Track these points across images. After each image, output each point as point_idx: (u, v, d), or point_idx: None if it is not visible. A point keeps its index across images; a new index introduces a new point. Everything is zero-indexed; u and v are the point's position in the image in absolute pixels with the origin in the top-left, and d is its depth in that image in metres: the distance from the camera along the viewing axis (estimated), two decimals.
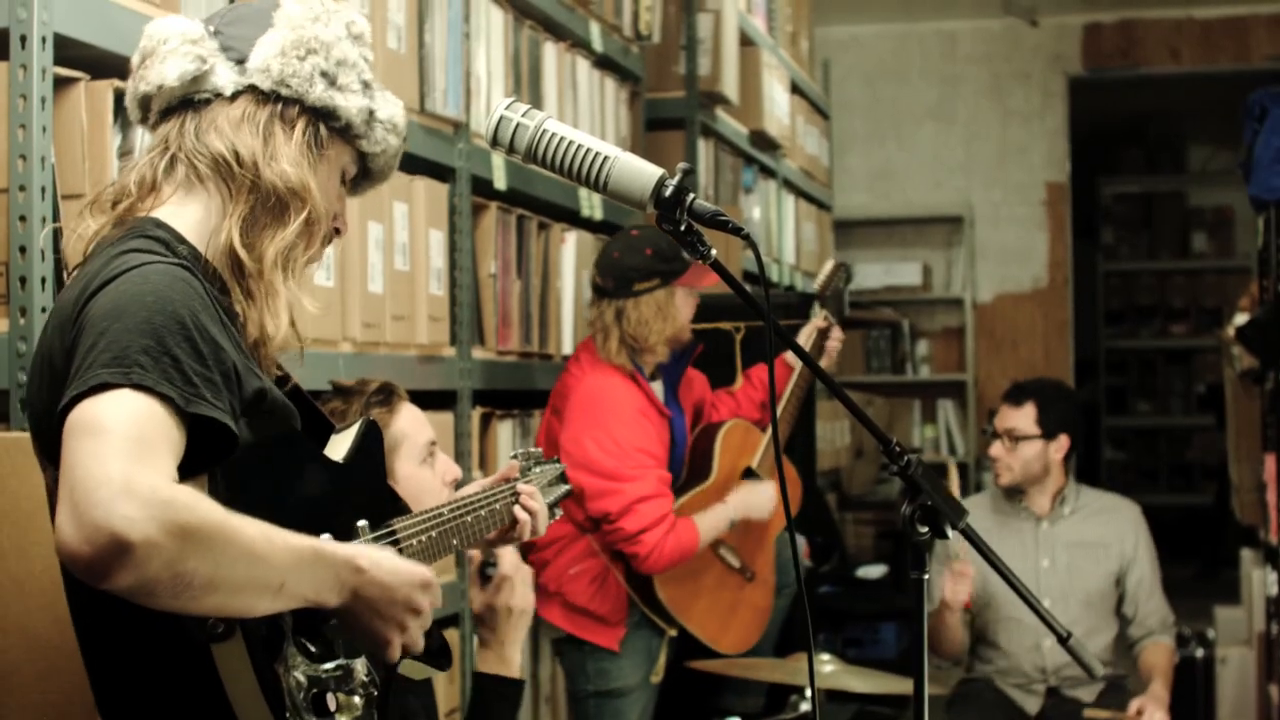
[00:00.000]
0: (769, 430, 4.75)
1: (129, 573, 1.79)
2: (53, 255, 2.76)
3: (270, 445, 2.14)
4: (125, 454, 1.83)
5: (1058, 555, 5.00)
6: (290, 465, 2.18)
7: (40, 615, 2.55)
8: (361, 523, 2.28)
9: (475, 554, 3.11)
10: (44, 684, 2.58)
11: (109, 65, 2.94)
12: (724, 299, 5.02)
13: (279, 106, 2.26)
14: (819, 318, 4.83)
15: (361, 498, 2.34)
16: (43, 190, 2.74)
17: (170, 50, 2.25)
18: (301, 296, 2.27)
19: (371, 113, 2.33)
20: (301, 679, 2.05)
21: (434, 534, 2.52)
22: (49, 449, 2.08)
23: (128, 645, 2.09)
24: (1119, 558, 5.02)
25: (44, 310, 2.72)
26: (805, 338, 4.81)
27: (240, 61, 2.26)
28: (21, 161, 2.73)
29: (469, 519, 2.68)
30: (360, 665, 2.15)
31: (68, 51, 2.84)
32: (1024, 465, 4.98)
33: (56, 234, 2.78)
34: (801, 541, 5.16)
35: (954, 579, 4.79)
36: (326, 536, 2.13)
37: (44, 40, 2.74)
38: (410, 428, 3.07)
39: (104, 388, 1.89)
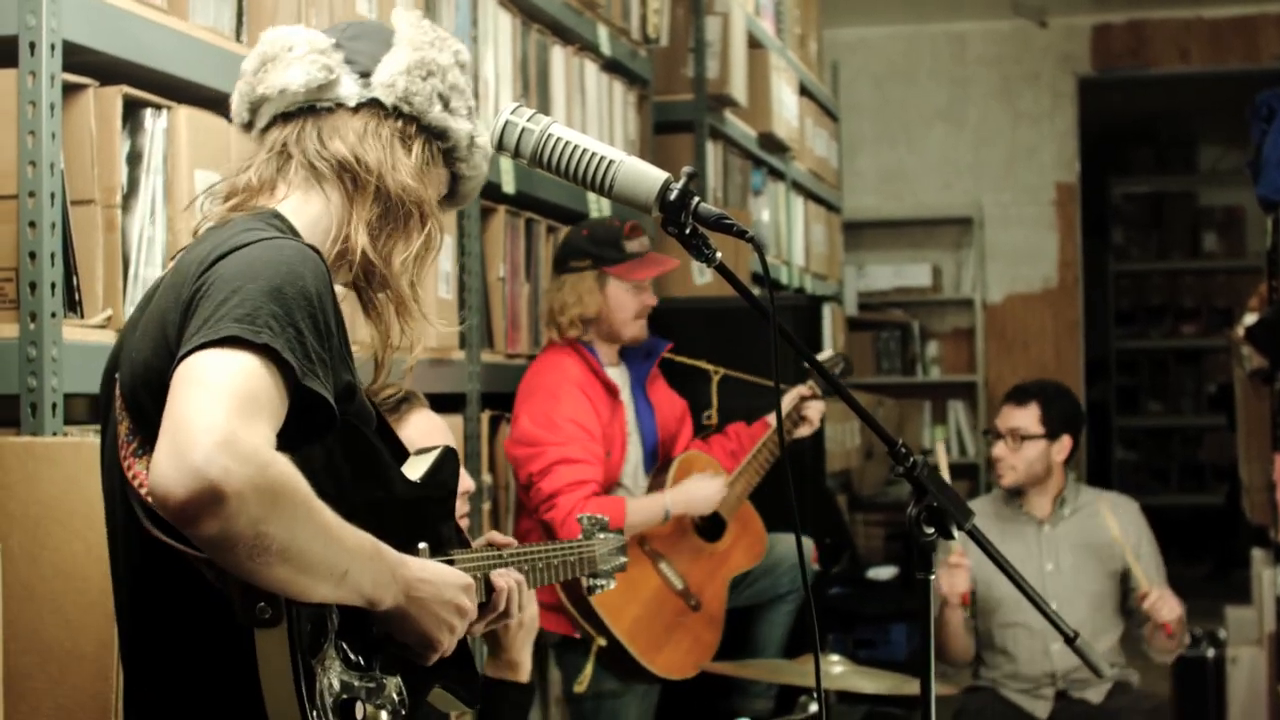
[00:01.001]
0: (733, 474, 4.72)
1: (216, 521, 1.82)
2: (62, 261, 2.77)
3: (349, 440, 2.16)
4: (235, 409, 1.86)
5: (1061, 558, 5.00)
6: (363, 468, 2.21)
7: (51, 620, 2.56)
8: (422, 545, 2.32)
9: None
10: (55, 688, 2.59)
11: (117, 71, 2.95)
12: (730, 301, 5.03)
13: (399, 123, 2.31)
14: (805, 386, 4.82)
15: (426, 522, 2.38)
16: (52, 196, 2.75)
17: (297, 57, 2.28)
18: (427, 312, 2.35)
19: (473, 139, 2.38)
20: (335, 682, 2.05)
21: (487, 575, 2.56)
22: (139, 402, 2.09)
23: (171, 618, 2.10)
24: (1121, 556, 5.01)
25: (53, 315, 2.73)
26: (790, 400, 4.80)
27: (364, 75, 2.30)
28: (31, 168, 2.74)
29: (528, 567, 2.72)
30: (394, 684, 2.17)
31: (76, 58, 2.85)
32: (1028, 465, 4.97)
33: (65, 239, 2.79)
34: (809, 545, 5.13)
35: (949, 571, 4.80)
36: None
37: (53, 47, 2.75)
38: (416, 438, 3.02)
39: (233, 341, 1.92)
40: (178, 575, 2.00)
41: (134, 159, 2.98)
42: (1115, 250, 13.51)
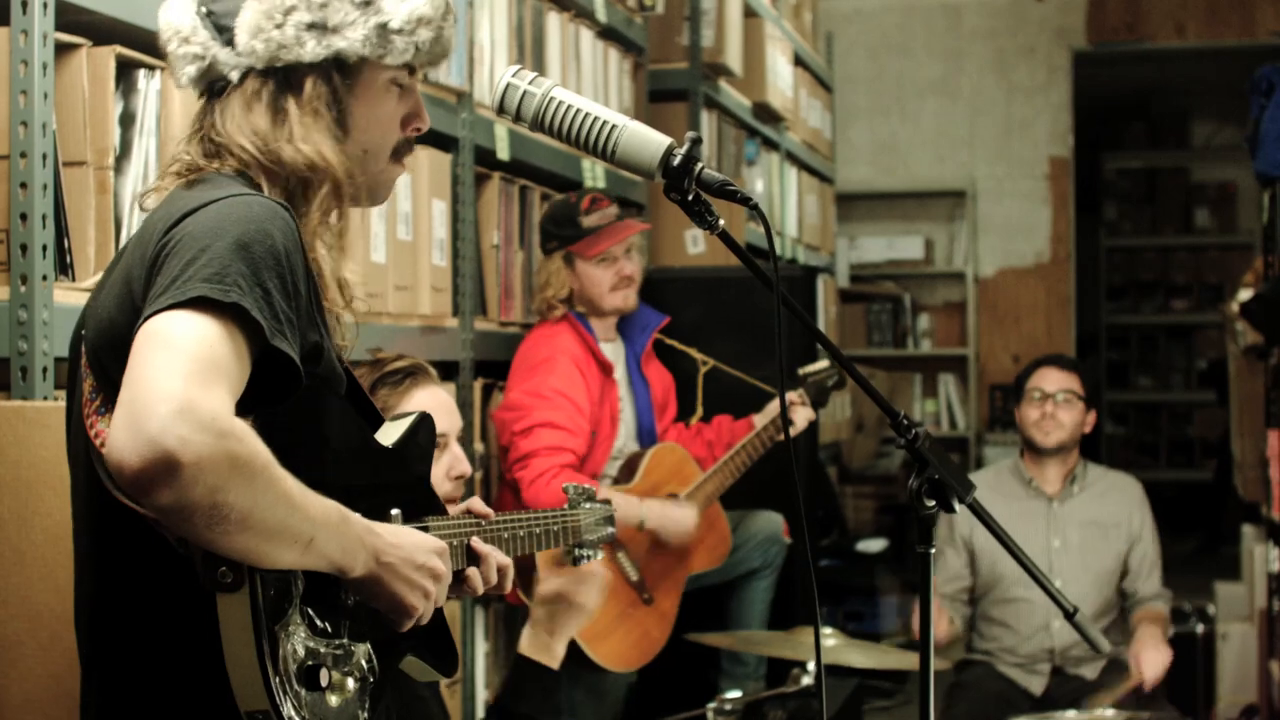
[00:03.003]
0: (706, 473, 4.68)
1: (171, 492, 1.80)
2: (54, 223, 2.74)
3: (316, 404, 2.12)
4: (194, 374, 1.83)
5: (1069, 535, 4.99)
6: (332, 432, 2.17)
7: (41, 586, 2.54)
8: (395, 512, 2.27)
9: None
10: (45, 655, 2.57)
11: (111, 31, 2.92)
12: (728, 270, 5.01)
13: (280, 77, 2.21)
14: (796, 393, 4.78)
15: (399, 488, 2.33)
16: (44, 157, 2.72)
17: (173, 52, 2.24)
18: (342, 262, 2.25)
19: (383, 27, 2.23)
20: (299, 648, 2.02)
21: (466, 542, 2.50)
22: (102, 360, 2.06)
23: (132, 580, 2.07)
24: (1127, 536, 5.03)
25: (44, 278, 2.71)
26: (777, 405, 4.75)
27: (231, 43, 2.21)
28: (22, 128, 2.71)
29: (509, 535, 2.65)
30: (362, 650, 2.14)
31: (69, 17, 2.81)
32: (1073, 427, 4.99)
33: (57, 201, 2.76)
34: (779, 519, 5.07)
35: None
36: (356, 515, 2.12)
37: (45, 5, 2.72)
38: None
39: (200, 302, 1.89)
40: (140, 538, 1.97)
41: (127, 120, 2.95)
42: (1107, 225, 13.50)
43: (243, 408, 1.92)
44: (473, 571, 2.50)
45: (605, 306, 4.63)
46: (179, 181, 2.20)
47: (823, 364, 4.89)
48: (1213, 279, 13.04)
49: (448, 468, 3.05)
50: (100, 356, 2.07)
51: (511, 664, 3.05)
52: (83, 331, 2.15)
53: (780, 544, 5.07)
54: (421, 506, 2.39)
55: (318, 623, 2.08)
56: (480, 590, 2.55)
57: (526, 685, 2.96)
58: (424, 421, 2.40)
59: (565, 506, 2.92)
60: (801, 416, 4.77)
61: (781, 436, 4.74)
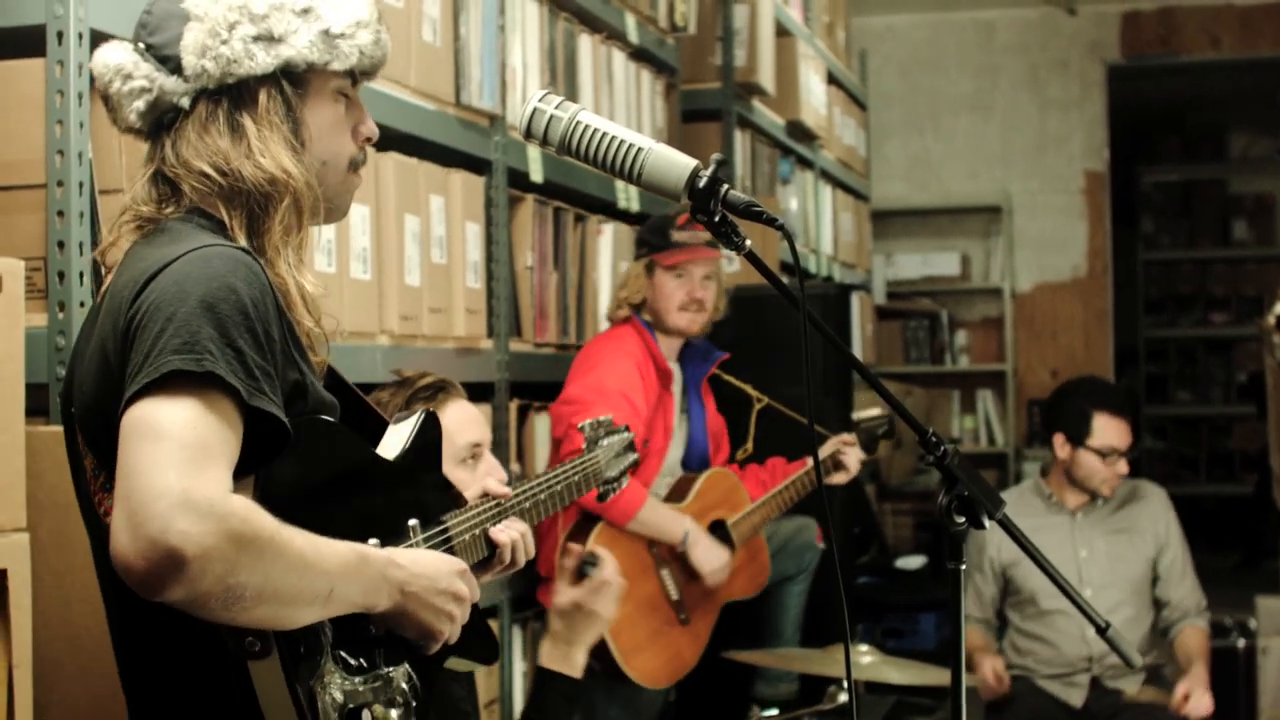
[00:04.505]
0: (754, 504, 4.72)
1: (182, 587, 1.81)
2: (90, 250, 2.77)
3: (315, 441, 2.12)
4: (185, 462, 1.83)
5: (1095, 544, 4.99)
6: (337, 462, 2.17)
7: (81, 608, 2.56)
8: (413, 522, 2.29)
9: (575, 548, 3.08)
10: (85, 676, 2.59)
11: None
12: (756, 290, 5.02)
13: (232, 95, 2.20)
14: (848, 436, 4.83)
15: (415, 494, 2.34)
16: (80, 186, 2.75)
17: (118, 91, 2.21)
18: (304, 276, 2.21)
19: (325, 33, 2.23)
20: (338, 696, 2.04)
21: (490, 526, 2.54)
22: (95, 437, 2.07)
23: (166, 658, 2.08)
24: (1153, 542, 5.02)
25: (82, 305, 2.74)
26: (831, 447, 4.80)
27: (179, 69, 2.19)
28: (59, 157, 2.74)
29: (530, 504, 2.68)
30: (401, 673, 2.15)
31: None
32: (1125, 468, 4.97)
33: (94, 230, 2.79)
34: (812, 525, 5.09)
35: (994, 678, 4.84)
36: (374, 541, 2.13)
37: (80, 36, 2.75)
38: (452, 427, 3.00)
39: (175, 377, 1.89)
40: (167, 612, 1.92)
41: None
42: (1144, 239, 13.45)
43: (243, 469, 1.93)
44: (502, 553, 2.56)
45: (669, 322, 4.66)
46: (135, 235, 2.18)
47: (875, 410, 4.97)
48: (1251, 291, 12.97)
49: (484, 475, 3.08)
50: (94, 435, 2.08)
51: (532, 677, 3.07)
52: (72, 409, 2.15)
53: (814, 550, 5.12)
54: (439, 506, 2.41)
55: (352, 662, 2.09)
56: (509, 570, 2.60)
57: (549, 697, 2.97)
58: (428, 421, 2.41)
59: (583, 449, 2.94)
60: (853, 458, 4.81)
61: (831, 478, 4.80)
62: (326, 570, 1.95)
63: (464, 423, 3.09)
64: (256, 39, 2.18)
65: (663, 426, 4.61)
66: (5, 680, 2.41)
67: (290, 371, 2.09)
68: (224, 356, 1.92)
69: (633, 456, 3.06)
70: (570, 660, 3.00)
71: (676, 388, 4.73)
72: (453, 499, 2.47)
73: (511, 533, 2.60)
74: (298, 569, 1.91)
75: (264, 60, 2.18)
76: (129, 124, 2.24)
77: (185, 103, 2.20)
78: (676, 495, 4.64)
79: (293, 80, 2.23)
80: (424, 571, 2.14)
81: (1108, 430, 4.93)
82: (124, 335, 2.00)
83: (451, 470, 2.98)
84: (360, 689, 2.08)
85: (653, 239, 4.68)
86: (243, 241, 2.16)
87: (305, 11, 2.22)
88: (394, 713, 2.12)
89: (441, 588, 2.16)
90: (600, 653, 4.35)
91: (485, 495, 2.65)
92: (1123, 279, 11.85)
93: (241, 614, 1.87)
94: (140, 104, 2.20)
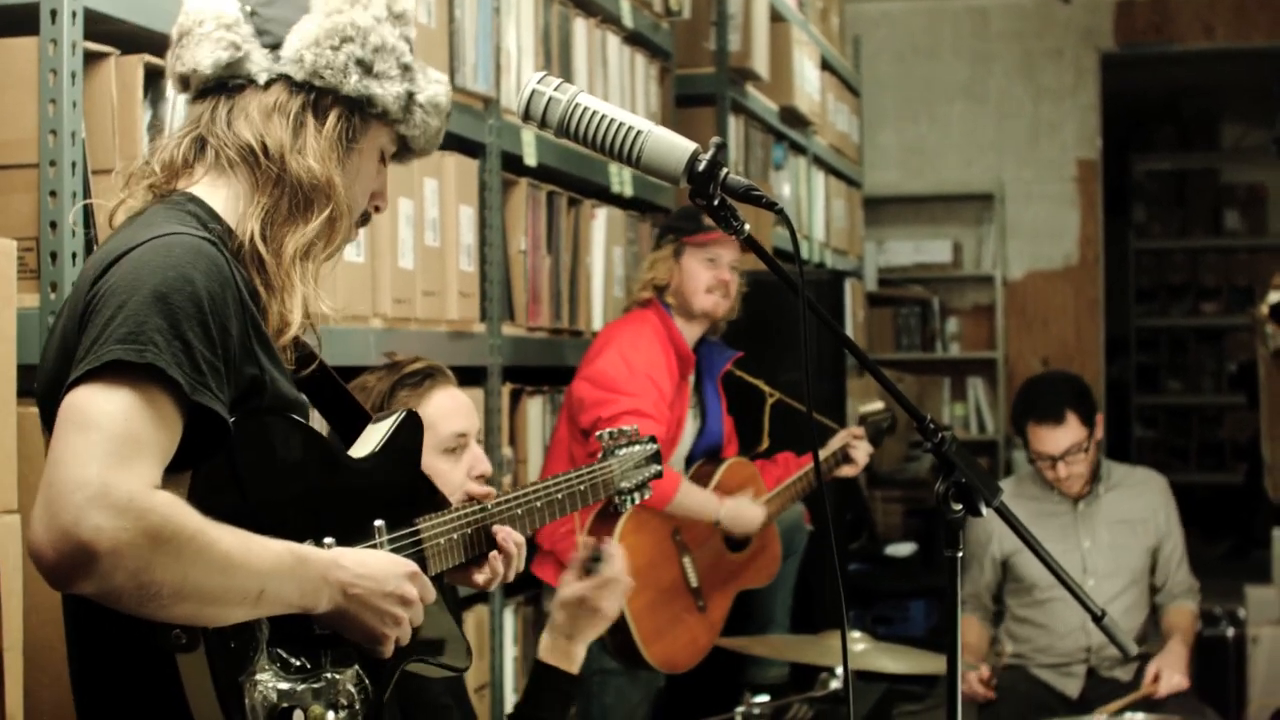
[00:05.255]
0: (769, 493, 4.77)
1: (92, 582, 1.79)
2: (83, 230, 2.75)
3: (268, 437, 2.09)
4: (110, 455, 1.82)
5: (1098, 533, 4.98)
6: (290, 459, 2.13)
7: None
8: (378, 523, 2.24)
9: (589, 539, 3.03)
10: None
11: (139, 40, 2.93)
12: (755, 274, 5.01)
13: (312, 97, 2.22)
14: (856, 429, 4.92)
15: (385, 494, 2.30)
16: (73, 165, 2.73)
17: (205, 34, 2.21)
18: (320, 297, 2.23)
19: (411, 96, 2.29)
20: (270, 693, 2.00)
21: (469, 531, 2.47)
22: (50, 417, 2.05)
23: (102, 642, 2.06)
24: (1155, 531, 5.02)
25: (73, 285, 2.72)
26: (839, 441, 4.88)
27: (275, 47, 2.22)
28: (52, 137, 2.72)
29: (523, 511, 2.61)
30: (349, 675, 2.11)
31: (98, 26, 2.83)
32: (1089, 464, 4.92)
33: (87, 209, 2.78)
34: (799, 507, 5.11)
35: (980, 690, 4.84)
36: (329, 541, 2.10)
37: (74, 15, 2.74)
38: (435, 415, 2.96)
39: (117, 365, 1.87)
40: (105, 610, 1.90)
41: (155, 128, 2.96)
42: (1136, 228, 13.46)
43: (179, 464, 1.91)
44: (493, 557, 2.51)
45: (695, 304, 4.70)
46: (147, 200, 2.20)
47: (879, 405, 5.03)
48: (1242, 281, 12.98)
49: (468, 467, 3.03)
50: (46, 413, 2.07)
51: (530, 670, 3.05)
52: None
53: (803, 531, 5.21)
54: (412, 509, 2.36)
55: (292, 661, 2.06)
56: (495, 582, 2.54)
57: (546, 692, 2.95)
58: (406, 420, 2.38)
59: (599, 457, 2.87)
60: (862, 452, 4.89)
61: (839, 470, 4.89)
62: (257, 570, 1.92)
63: (450, 411, 3.02)
64: (359, 63, 2.23)
65: (678, 416, 4.63)
66: None
67: (248, 367, 2.06)
68: (170, 349, 1.90)
69: (655, 468, 2.98)
70: (570, 656, 2.97)
71: (692, 377, 4.76)
72: (434, 501, 2.43)
73: (511, 543, 2.55)
74: (221, 568, 1.87)
75: (354, 84, 2.23)
76: (195, 68, 2.22)
77: (263, 79, 2.21)
78: (696, 484, 4.66)
79: (362, 116, 2.26)
80: (369, 574, 2.10)
81: (1036, 438, 4.90)
82: (80, 318, 1.99)
83: (434, 461, 2.92)
84: (297, 689, 2.04)
85: (683, 224, 4.74)
86: (255, 225, 2.16)
87: (406, 69, 2.29)
88: (331, 714, 2.07)
89: (388, 590, 2.11)
90: (619, 637, 4.37)
91: (469, 499, 2.60)
92: (1114, 268, 11.84)
93: (159, 610, 1.85)
94: (224, 56, 2.20)
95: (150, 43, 2.94)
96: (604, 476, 2.83)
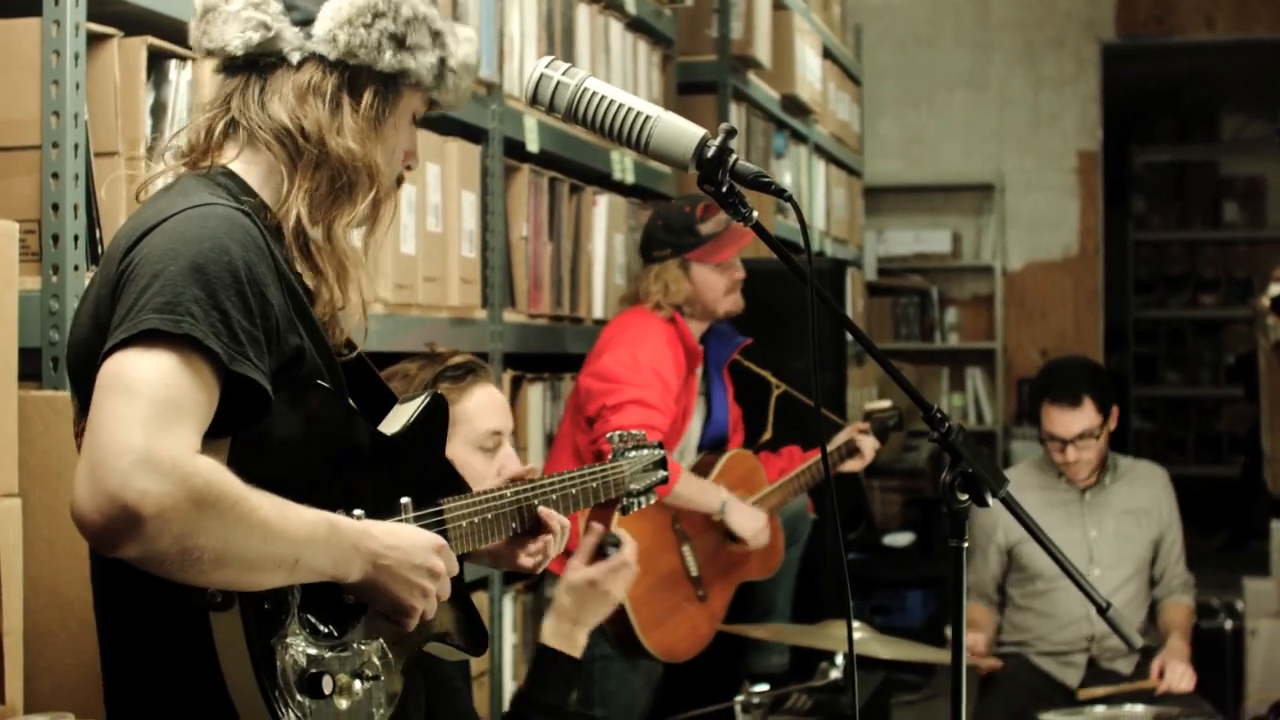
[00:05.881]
0: (772, 486, 4.78)
1: (137, 545, 1.79)
2: (85, 213, 2.74)
3: (303, 407, 2.09)
4: (152, 420, 1.82)
5: (1105, 523, 4.98)
6: (328, 429, 2.14)
7: (72, 575, 2.54)
8: (404, 500, 2.26)
9: (599, 527, 3.03)
10: (75, 644, 2.57)
11: (142, 21, 2.92)
12: (759, 263, 5.01)
13: (346, 75, 2.20)
14: (862, 424, 4.92)
15: (412, 473, 2.31)
16: (75, 147, 2.72)
17: (233, 12, 2.19)
18: (372, 279, 2.26)
19: (443, 62, 2.27)
20: (299, 658, 2.01)
21: (489, 516, 2.48)
22: (79, 382, 2.06)
23: (134, 603, 2.06)
24: (1158, 523, 5.02)
25: (76, 268, 2.71)
26: (845, 435, 4.89)
27: (306, 23, 2.19)
28: (54, 118, 2.71)
29: (540, 501, 2.61)
30: (374, 647, 2.12)
31: (101, 8, 2.82)
32: (1099, 456, 4.92)
33: (89, 192, 2.76)
34: (803, 496, 5.12)
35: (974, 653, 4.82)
36: (359, 513, 2.11)
37: None
38: (474, 411, 2.99)
39: (154, 334, 1.87)
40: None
41: (158, 111, 2.95)
42: (1136, 219, 13.45)
43: (218, 431, 1.91)
44: (542, 539, 2.57)
45: (720, 310, 4.70)
46: (177, 163, 2.20)
47: (886, 402, 5.04)
48: (1241, 274, 12.98)
49: (499, 466, 3.04)
50: (78, 377, 2.07)
51: (533, 654, 3.04)
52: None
53: (806, 520, 5.20)
54: (437, 489, 2.37)
55: (321, 628, 2.07)
56: (542, 565, 2.60)
57: (549, 676, 2.95)
58: (434, 402, 2.39)
59: (609, 458, 2.88)
60: (868, 447, 4.89)
61: (844, 465, 4.91)
62: (293, 538, 1.93)
63: (488, 408, 3.04)
64: (392, 37, 2.20)
65: (684, 409, 4.63)
66: None
67: (291, 336, 2.07)
68: (207, 319, 1.90)
69: (662, 474, 2.99)
70: (573, 639, 2.97)
71: (699, 369, 4.76)
72: (455, 485, 2.43)
73: (556, 523, 2.57)
74: (261, 534, 1.88)
75: (389, 60, 2.21)
76: (222, 45, 2.20)
77: (295, 58, 2.19)
78: (698, 475, 4.65)
79: (395, 89, 2.25)
80: (399, 545, 2.11)
81: (1049, 419, 4.90)
82: (114, 286, 1.99)
83: (469, 456, 2.96)
84: (325, 655, 2.05)
85: (680, 239, 4.66)
86: (302, 209, 2.16)
87: (437, 35, 2.26)
88: (358, 684, 2.09)
89: (417, 562, 2.12)
90: (618, 624, 4.37)
91: (513, 480, 2.62)
92: (1113, 259, 11.84)
93: (199, 575, 1.86)
94: (254, 36, 2.18)
95: (153, 24, 2.93)
96: (615, 476, 2.85)
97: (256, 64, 2.20)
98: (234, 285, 1.95)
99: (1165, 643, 4.91)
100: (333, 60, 2.19)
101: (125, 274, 1.97)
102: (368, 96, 2.21)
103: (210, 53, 2.24)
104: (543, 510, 2.59)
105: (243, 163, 2.20)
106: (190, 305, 1.90)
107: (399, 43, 2.21)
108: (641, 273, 4.77)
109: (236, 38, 2.18)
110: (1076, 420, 4.85)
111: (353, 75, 2.21)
